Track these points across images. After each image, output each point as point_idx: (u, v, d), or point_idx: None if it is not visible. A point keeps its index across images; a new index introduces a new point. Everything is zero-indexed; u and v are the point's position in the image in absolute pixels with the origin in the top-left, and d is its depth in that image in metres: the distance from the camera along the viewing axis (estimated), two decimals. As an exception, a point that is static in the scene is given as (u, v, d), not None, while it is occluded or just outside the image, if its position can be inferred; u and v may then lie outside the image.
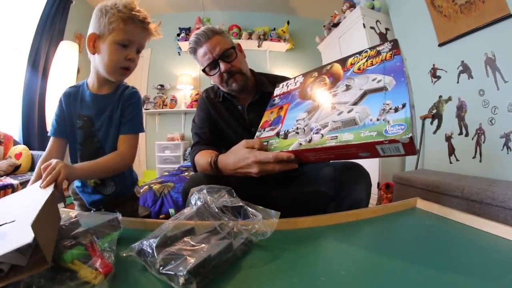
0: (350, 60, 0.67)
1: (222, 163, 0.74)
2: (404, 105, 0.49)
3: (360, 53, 0.67)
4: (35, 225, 0.32)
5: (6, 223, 0.38)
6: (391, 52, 0.60)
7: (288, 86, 0.83)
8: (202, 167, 0.85)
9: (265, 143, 0.68)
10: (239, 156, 0.67)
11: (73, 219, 0.48)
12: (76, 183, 0.86)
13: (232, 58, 0.91)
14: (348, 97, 0.59)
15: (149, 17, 0.71)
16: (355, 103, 0.57)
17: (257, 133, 0.76)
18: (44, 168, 0.56)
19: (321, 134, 0.57)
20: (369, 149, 0.50)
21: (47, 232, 0.38)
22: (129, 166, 0.79)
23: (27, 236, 0.30)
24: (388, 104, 0.51)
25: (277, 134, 0.68)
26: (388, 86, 0.54)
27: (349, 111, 0.56)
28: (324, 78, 0.71)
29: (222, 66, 0.89)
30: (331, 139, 0.54)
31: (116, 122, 0.80)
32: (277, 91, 0.86)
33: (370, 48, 0.66)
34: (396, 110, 0.49)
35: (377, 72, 0.58)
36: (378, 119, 0.50)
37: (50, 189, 0.51)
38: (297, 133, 0.63)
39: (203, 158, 0.84)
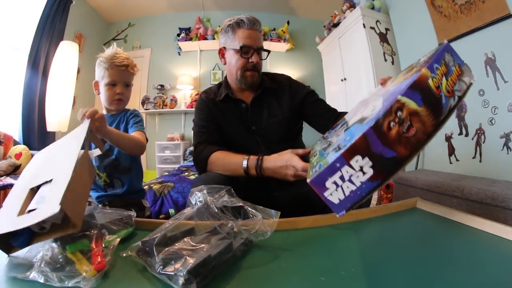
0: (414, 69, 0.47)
1: (266, 162, 0.78)
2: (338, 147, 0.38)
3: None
4: (64, 200, 0.37)
5: (46, 181, 0.44)
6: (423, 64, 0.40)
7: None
8: (224, 167, 0.84)
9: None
10: (283, 157, 0.74)
11: (91, 212, 0.52)
12: None
13: (264, 57, 0.99)
14: (360, 114, 0.49)
15: (126, 60, 0.92)
16: (348, 128, 0.48)
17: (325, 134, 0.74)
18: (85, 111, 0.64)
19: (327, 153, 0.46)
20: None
21: (78, 197, 0.42)
22: (143, 149, 0.89)
23: (54, 208, 0.36)
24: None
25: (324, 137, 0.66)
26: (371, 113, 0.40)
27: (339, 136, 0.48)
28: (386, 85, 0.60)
29: (255, 58, 0.94)
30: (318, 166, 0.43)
31: (122, 131, 0.95)
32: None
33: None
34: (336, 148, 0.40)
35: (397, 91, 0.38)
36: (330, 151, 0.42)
37: (83, 133, 0.54)
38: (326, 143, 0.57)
39: (229, 158, 0.85)
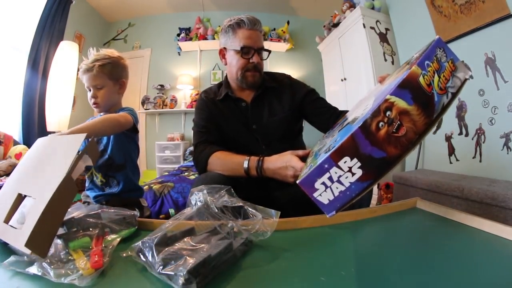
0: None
1: (267, 162, 0.78)
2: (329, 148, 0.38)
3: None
4: (30, 239, 0.38)
5: (31, 196, 0.44)
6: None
7: None
8: (225, 167, 0.84)
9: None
10: (283, 158, 0.74)
11: (96, 211, 0.52)
12: (87, 183, 0.98)
13: (265, 57, 0.99)
14: (354, 114, 0.48)
15: (89, 64, 0.91)
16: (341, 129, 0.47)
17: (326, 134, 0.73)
18: None
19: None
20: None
21: (47, 228, 0.41)
22: (120, 121, 0.85)
23: (24, 249, 0.37)
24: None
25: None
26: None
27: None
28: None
29: (255, 58, 0.94)
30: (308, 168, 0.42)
31: None
32: None
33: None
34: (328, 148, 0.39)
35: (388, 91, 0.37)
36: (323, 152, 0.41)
37: (72, 156, 0.49)
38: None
39: (230, 158, 0.85)
